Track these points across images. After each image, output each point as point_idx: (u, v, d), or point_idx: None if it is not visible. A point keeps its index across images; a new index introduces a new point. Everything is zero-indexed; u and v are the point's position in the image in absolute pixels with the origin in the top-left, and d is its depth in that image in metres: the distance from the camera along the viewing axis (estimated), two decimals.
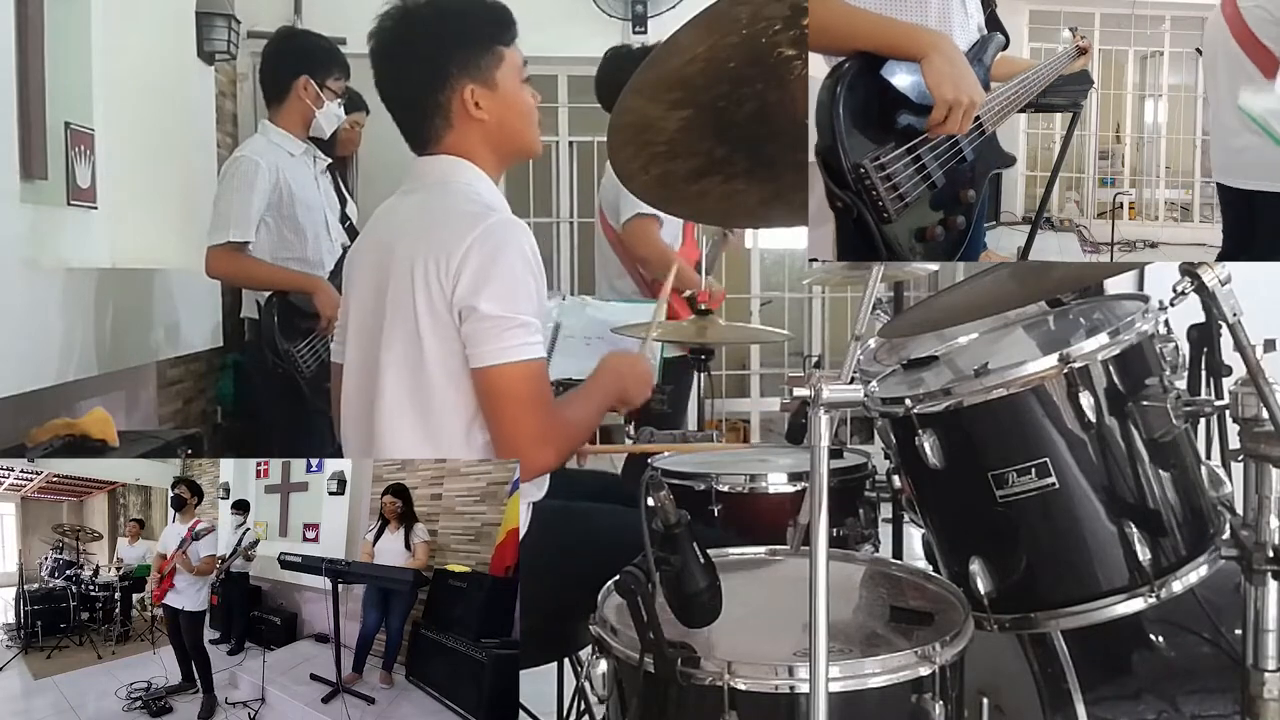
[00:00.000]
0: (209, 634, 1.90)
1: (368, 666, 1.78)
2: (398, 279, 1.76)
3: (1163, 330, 1.61)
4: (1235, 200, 1.37)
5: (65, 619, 1.95)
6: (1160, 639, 1.77)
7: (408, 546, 1.77)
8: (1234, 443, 1.54)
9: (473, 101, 1.85)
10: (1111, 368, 1.55)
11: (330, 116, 3.32)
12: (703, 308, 2.82)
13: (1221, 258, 1.40)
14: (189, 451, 2.83)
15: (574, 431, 1.83)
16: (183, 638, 1.85)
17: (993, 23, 1.34)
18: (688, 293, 3.33)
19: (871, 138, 1.24)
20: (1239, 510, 1.59)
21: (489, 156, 1.89)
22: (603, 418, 1.93)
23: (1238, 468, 1.54)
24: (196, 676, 1.79)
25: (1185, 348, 1.73)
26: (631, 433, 2.54)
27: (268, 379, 3.14)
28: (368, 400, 1.82)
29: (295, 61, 3.27)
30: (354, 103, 3.70)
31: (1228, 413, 1.54)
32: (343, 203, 3.55)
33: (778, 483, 2.10)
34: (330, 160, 3.49)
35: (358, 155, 4.04)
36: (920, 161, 1.25)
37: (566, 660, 2.28)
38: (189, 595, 1.88)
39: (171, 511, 1.92)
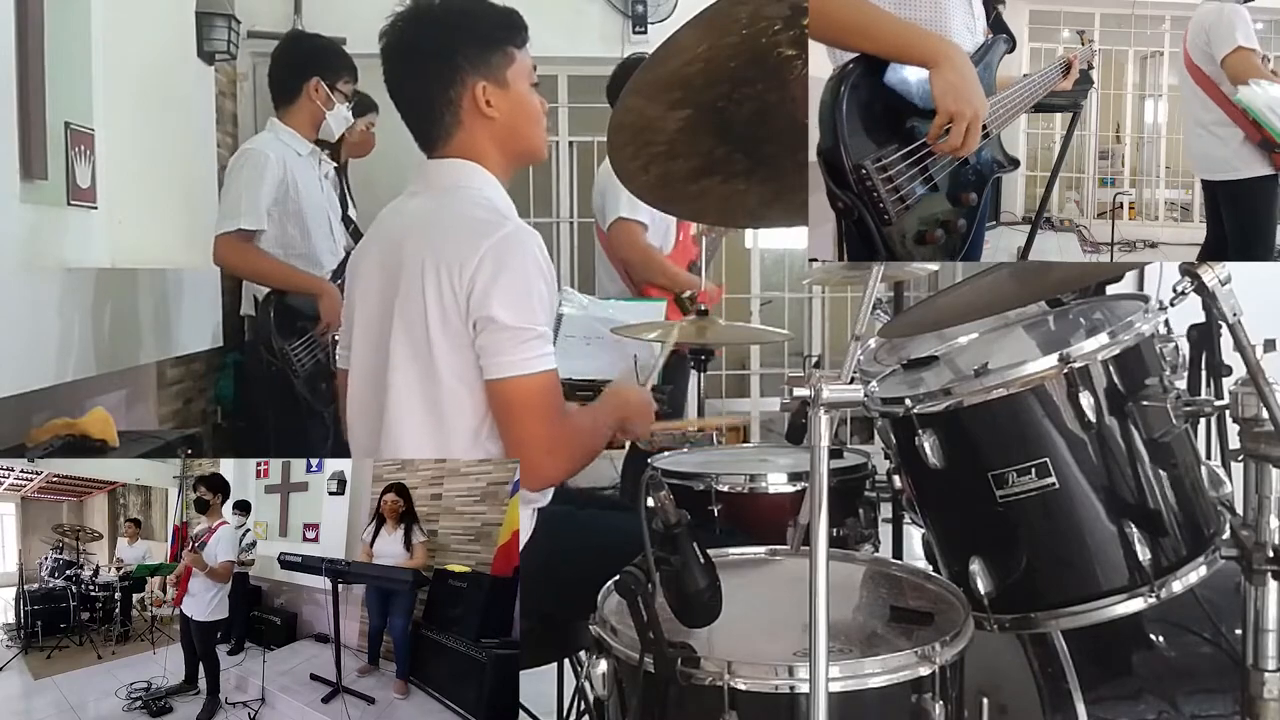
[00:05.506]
0: None
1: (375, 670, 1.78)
2: (408, 282, 1.75)
3: (1163, 330, 1.61)
4: (1209, 196, 1.39)
5: (65, 619, 1.95)
6: (1160, 639, 1.77)
7: (407, 546, 1.77)
8: (1234, 443, 1.54)
9: (484, 99, 1.84)
10: (1111, 368, 1.55)
11: (340, 119, 3.34)
12: (703, 308, 2.82)
13: (1203, 253, 1.41)
14: (189, 451, 2.82)
15: (585, 443, 1.83)
16: (194, 643, 1.85)
17: (998, 26, 1.34)
18: (686, 293, 3.35)
19: (874, 139, 1.24)
20: (1239, 510, 1.59)
21: (497, 158, 1.89)
22: (608, 440, 1.92)
23: (1238, 468, 1.54)
24: (204, 679, 1.79)
25: (1185, 348, 1.73)
26: None
27: (264, 377, 3.14)
28: (376, 402, 1.81)
29: (307, 63, 3.29)
30: (364, 104, 3.70)
31: (1228, 413, 1.54)
32: (344, 206, 3.55)
33: (778, 483, 2.10)
34: (336, 164, 3.49)
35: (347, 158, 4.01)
36: (923, 164, 1.25)
37: (566, 660, 2.28)
38: (201, 602, 1.87)
39: (179, 510, 1.92)
